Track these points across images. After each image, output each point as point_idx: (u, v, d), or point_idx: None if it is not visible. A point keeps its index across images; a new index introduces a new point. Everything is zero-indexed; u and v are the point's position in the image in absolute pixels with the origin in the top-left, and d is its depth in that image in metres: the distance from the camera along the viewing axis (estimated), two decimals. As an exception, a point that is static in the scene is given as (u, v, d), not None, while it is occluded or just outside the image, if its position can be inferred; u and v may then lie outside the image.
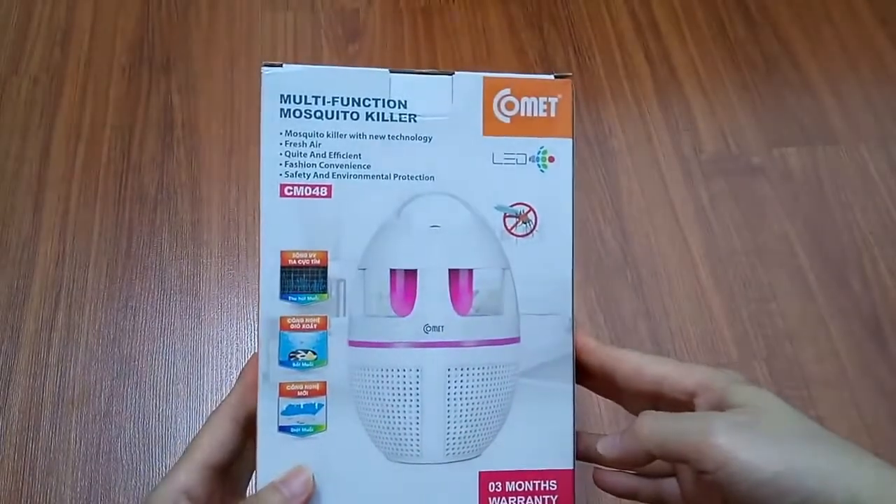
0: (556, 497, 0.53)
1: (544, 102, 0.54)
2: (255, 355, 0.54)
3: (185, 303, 1.03)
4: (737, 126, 1.20)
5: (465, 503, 0.52)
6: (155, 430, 0.95)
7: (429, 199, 0.54)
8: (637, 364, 0.52)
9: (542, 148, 0.54)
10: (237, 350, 1.00)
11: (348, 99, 0.54)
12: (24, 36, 1.26)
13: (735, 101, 1.22)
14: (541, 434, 0.53)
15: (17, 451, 0.93)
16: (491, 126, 0.54)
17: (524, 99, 0.54)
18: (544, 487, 0.53)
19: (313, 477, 0.51)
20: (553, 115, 0.55)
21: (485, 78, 0.54)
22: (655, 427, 0.47)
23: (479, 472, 0.52)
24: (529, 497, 0.53)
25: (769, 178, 1.14)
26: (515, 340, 0.54)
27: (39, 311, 1.02)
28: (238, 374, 0.56)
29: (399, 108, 0.54)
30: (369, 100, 0.54)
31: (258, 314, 0.53)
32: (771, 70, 1.26)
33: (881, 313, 1.03)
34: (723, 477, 0.43)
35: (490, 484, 0.53)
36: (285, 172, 0.53)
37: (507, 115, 0.54)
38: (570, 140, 0.54)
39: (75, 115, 1.18)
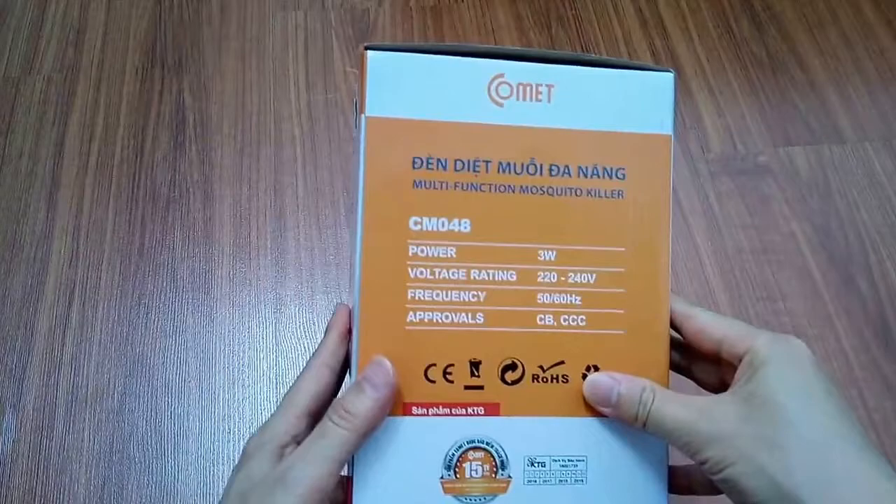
0: None
1: None
2: (341, 305, 0.54)
3: (198, 300, 1.04)
4: (743, 125, 1.20)
5: None
6: (167, 428, 0.95)
7: None
8: (703, 323, 0.52)
9: None
10: (249, 348, 1.00)
11: None
12: (38, 36, 1.27)
13: (741, 100, 1.23)
14: None
15: (32, 449, 0.94)
16: None
17: None
18: None
19: (392, 366, 0.50)
20: None
21: None
22: (662, 418, 0.49)
23: None
24: None
25: (776, 178, 1.15)
26: None
27: (53, 308, 1.03)
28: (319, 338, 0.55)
29: None
30: None
31: None
32: (777, 69, 1.26)
33: (888, 312, 1.04)
34: (706, 470, 0.47)
35: None
36: None
37: None
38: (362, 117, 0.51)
39: (89, 114, 1.19)
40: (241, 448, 0.50)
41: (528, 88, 0.52)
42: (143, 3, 1.31)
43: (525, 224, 0.52)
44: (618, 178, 0.53)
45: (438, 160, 0.51)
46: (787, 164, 1.16)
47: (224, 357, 1.00)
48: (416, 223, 0.51)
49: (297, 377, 0.52)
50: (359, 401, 0.48)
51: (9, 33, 1.27)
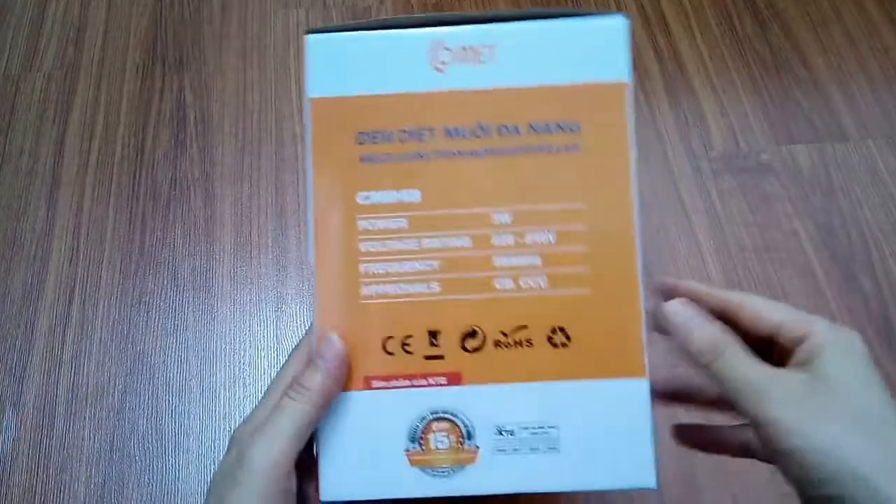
0: None
1: None
2: (308, 333, 0.53)
3: (199, 299, 1.03)
4: (746, 123, 1.20)
5: None
6: (168, 427, 0.95)
7: None
8: (758, 309, 0.52)
9: None
10: (250, 347, 1.00)
11: None
12: (38, 33, 1.27)
13: (744, 98, 1.22)
14: None
15: (32, 447, 0.93)
16: None
17: None
18: None
19: (339, 339, 0.51)
20: None
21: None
22: (730, 368, 0.48)
23: None
24: None
25: (778, 176, 1.14)
26: None
27: (53, 307, 1.02)
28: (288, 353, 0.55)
29: None
30: None
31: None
32: (780, 67, 1.26)
33: (891, 311, 1.03)
34: (764, 434, 0.45)
35: None
36: None
37: None
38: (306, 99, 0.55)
39: (89, 112, 1.18)
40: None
41: (468, 51, 0.52)
42: (144, 0, 1.31)
43: (477, 188, 0.52)
44: (572, 131, 0.51)
45: (383, 133, 0.51)
46: (790, 162, 1.16)
47: (225, 356, 1.00)
48: (364, 198, 0.52)
49: (281, 367, 0.52)
50: (311, 375, 0.49)
51: (9, 31, 1.27)
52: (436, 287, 0.51)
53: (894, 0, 1.32)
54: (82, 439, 0.94)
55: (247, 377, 0.98)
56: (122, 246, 1.07)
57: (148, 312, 1.02)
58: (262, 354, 1.00)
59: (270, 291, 1.04)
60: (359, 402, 0.51)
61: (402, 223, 0.52)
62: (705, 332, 0.50)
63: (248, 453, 0.48)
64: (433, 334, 0.52)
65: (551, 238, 0.51)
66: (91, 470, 0.92)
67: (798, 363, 0.48)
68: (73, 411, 0.96)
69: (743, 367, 0.48)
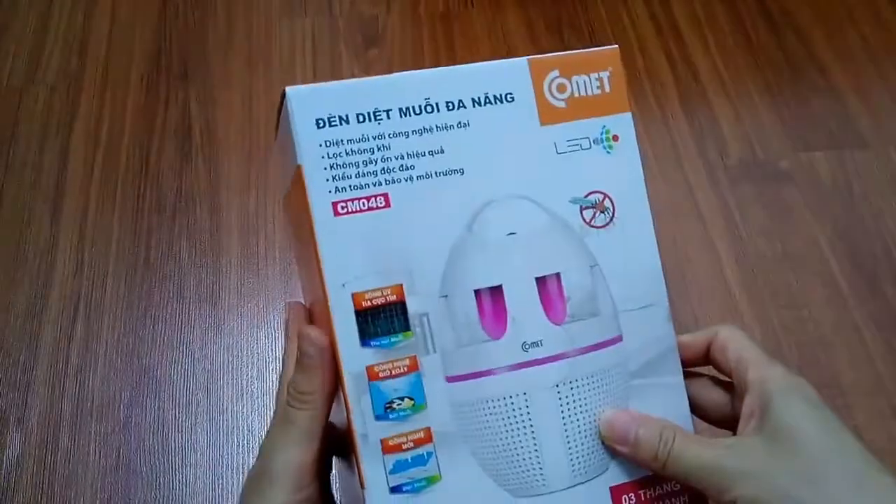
0: (685, 496, 0.50)
1: (596, 78, 0.51)
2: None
3: (205, 312, 1.02)
4: (762, 131, 1.18)
5: None
6: (175, 441, 0.94)
7: (500, 205, 0.49)
8: (723, 345, 0.51)
9: (604, 128, 0.50)
10: (257, 360, 0.99)
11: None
12: (42, 44, 1.26)
13: (760, 105, 1.21)
14: None
15: (37, 463, 0.92)
16: (547, 114, 0.50)
17: (575, 78, 0.50)
18: (674, 488, 0.50)
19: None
20: (608, 90, 0.51)
21: (529, 61, 0.50)
22: (684, 459, 0.46)
23: (610, 488, 0.49)
24: (665, 500, 0.50)
25: (797, 184, 1.13)
26: (618, 340, 0.50)
27: (58, 321, 1.01)
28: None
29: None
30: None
31: (340, 367, 0.46)
32: (795, 73, 1.24)
33: (915, 318, 1.02)
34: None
35: (623, 497, 0.49)
36: (335, 188, 0.47)
37: (560, 99, 0.50)
38: (629, 114, 0.51)
39: (93, 123, 1.18)
40: (250, 461, 0.49)
41: None
42: (148, 11, 1.30)
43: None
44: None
45: None
46: (809, 169, 1.14)
47: (232, 369, 0.98)
48: None
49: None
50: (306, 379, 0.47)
51: (11, 42, 1.27)
52: None
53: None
54: (88, 454, 0.93)
55: (254, 390, 0.96)
56: (127, 258, 1.05)
57: (154, 326, 1.01)
58: (271, 367, 0.98)
59: (278, 303, 1.02)
60: None
61: None
62: (651, 430, 0.47)
63: (272, 467, 0.46)
64: None
65: None
66: (97, 485, 0.91)
67: (754, 416, 0.46)
68: (78, 426, 0.94)
69: (696, 451, 0.46)
